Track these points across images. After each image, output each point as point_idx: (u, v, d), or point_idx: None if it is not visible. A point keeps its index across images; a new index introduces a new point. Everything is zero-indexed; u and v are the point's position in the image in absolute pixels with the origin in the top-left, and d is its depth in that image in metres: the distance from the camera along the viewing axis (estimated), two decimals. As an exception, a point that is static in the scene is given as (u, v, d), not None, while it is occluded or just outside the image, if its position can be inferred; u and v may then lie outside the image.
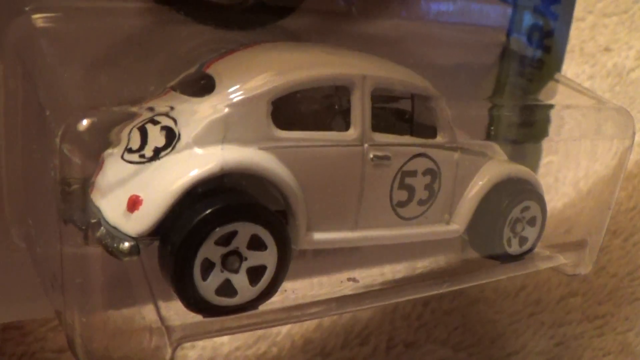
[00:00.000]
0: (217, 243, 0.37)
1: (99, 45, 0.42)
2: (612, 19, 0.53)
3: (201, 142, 0.37)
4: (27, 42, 0.40)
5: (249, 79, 0.39)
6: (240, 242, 0.38)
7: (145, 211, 0.35)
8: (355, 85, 0.41)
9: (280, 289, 0.40)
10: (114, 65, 0.42)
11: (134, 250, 0.35)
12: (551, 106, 0.55)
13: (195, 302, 0.36)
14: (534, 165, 0.56)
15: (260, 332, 0.57)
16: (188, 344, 0.56)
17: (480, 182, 0.48)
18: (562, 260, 0.54)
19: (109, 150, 0.37)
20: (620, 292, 0.71)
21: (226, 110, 0.38)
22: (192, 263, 0.36)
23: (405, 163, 0.44)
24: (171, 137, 0.37)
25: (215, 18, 0.45)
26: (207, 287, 0.37)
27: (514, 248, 0.51)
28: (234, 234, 0.37)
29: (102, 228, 0.36)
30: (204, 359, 0.56)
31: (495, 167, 0.49)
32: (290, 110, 0.40)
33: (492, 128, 0.50)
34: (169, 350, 0.37)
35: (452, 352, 0.59)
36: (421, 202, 0.46)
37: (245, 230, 0.37)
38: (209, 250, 0.36)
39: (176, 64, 0.42)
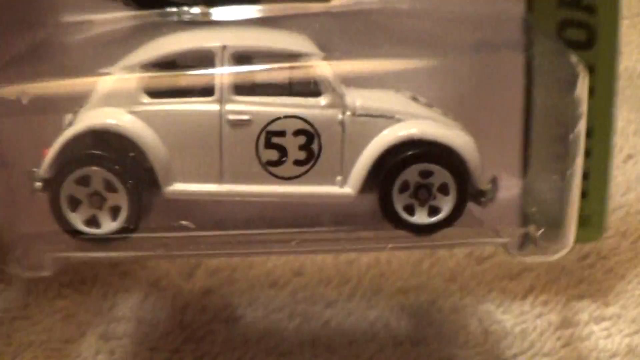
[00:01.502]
0: (77, 183, 0.45)
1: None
2: (623, 22, 0.51)
3: (94, 105, 0.47)
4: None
5: (132, 55, 0.48)
6: (98, 185, 0.46)
7: (46, 158, 0.46)
8: (215, 55, 0.47)
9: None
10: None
11: (41, 188, 0.46)
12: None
13: (66, 230, 0.46)
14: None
15: (268, 327, 0.61)
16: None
17: (376, 143, 0.47)
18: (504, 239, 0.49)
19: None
20: (628, 294, 0.61)
21: (112, 80, 0.47)
22: (59, 198, 0.45)
23: (269, 123, 0.47)
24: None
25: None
26: (76, 218, 0.46)
27: (421, 218, 0.47)
28: (88, 177, 0.45)
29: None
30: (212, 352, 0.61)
31: (401, 127, 0.47)
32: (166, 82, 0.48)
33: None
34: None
35: (459, 350, 0.58)
36: (298, 163, 0.48)
37: (97, 175, 0.45)
38: (71, 188, 0.45)
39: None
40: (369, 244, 0.48)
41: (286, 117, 0.47)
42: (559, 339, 0.57)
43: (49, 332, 0.61)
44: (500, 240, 0.48)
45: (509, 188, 0.52)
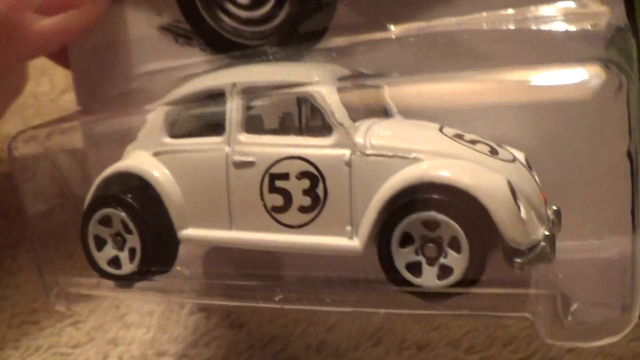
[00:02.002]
0: (100, 223, 0.48)
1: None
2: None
3: (136, 143, 0.49)
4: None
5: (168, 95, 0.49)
6: (118, 226, 0.47)
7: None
8: (226, 92, 0.46)
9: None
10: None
11: None
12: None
13: (93, 267, 0.48)
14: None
15: (274, 332, 0.59)
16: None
17: (385, 188, 0.40)
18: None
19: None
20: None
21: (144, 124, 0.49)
22: (87, 237, 0.48)
23: (272, 165, 0.43)
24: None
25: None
26: (100, 257, 0.48)
27: (429, 279, 0.39)
28: (109, 217, 0.47)
29: None
30: (219, 357, 0.59)
31: (413, 169, 0.40)
32: (185, 121, 0.48)
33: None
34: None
35: (465, 355, 0.54)
36: (304, 209, 0.43)
37: (115, 216, 0.47)
38: (96, 228, 0.48)
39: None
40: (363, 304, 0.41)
41: (288, 157, 0.43)
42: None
43: (58, 337, 0.63)
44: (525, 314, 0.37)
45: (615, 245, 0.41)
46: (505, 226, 0.38)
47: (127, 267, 0.48)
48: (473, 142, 0.43)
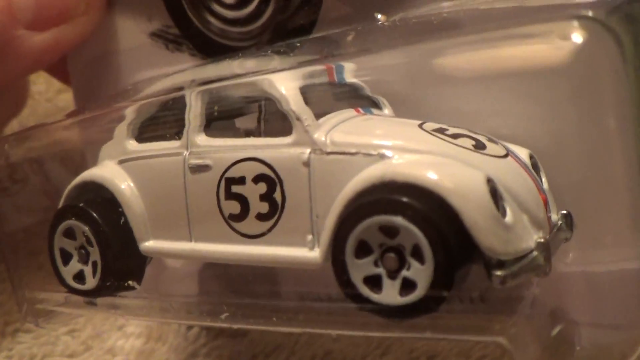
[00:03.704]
0: (64, 235, 0.45)
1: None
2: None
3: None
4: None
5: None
6: (81, 239, 0.44)
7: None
8: (185, 96, 0.41)
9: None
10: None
11: None
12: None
13: (60, 281, 0.45)
14: None
15: (278, 341, 0.54)
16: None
17: (345, 191, 0.34)
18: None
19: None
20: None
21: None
22: (53, 250, 0.46)
23: (227, 169, 0.39)
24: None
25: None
26: (67, 271, 0.45)
27: (390, 295, 0.32)
28: (71, 229, 0.44)
29: None
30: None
31: (377, 168, 0.34)
32: (152, 124, 0.45)
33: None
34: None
35: None
36: (261, 217, 0.38)
37: (78, 227, 0.44)
38: (61, 241, 0.45)
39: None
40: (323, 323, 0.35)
41: (243, 160, 0.39)
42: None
43: (53, 346, 0.60)
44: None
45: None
46: (479, 231, 0.31)
47: (91, 282, 0.44)
48: (455, 136, 0.37)
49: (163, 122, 0.44)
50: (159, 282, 0.45)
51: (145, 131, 0.45)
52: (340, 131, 0.37)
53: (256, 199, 0.38)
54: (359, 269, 0.33)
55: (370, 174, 0.34)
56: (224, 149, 0.40)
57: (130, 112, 0.45)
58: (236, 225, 0.39)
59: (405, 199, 0.32)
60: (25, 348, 0.60)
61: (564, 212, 0.36)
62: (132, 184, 0.43)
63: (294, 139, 0.37)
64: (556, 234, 0.35)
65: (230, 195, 0.39)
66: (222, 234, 0.40)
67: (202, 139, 0.41)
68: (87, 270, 0.45)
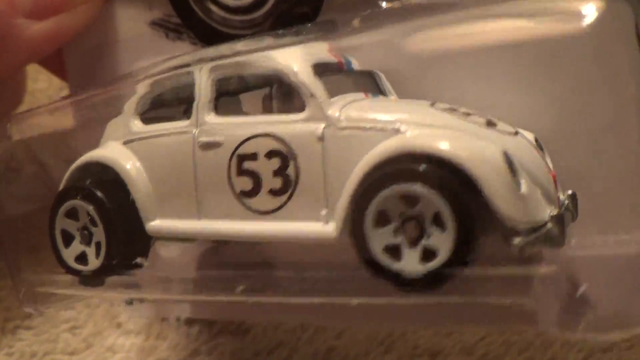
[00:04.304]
0: (66, 216, 0.44)
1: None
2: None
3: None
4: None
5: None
6: (85, 219, 0.44)
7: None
8: (194, 75, 0.42)
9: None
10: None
11: None
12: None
13: (61, 265, 0.45)
14: None
15: (280, 338, 0.54)
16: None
17: (360, 165, 0.35)
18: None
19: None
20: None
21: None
22: (54, 232, 0.45)
23: (239, 145, 0.39)
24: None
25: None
26: (68, 253, 0.44)
27: (410, 264, 0.32)
28: (74, 209, 0.44)
29: None
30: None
31: (393, 141, 0.34)
32: (156, 105, 0.45)
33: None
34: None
35: None
36: (274, 192, 0.38)
37: (82, 208, 0.43)
38: (63, 222, 0.44)
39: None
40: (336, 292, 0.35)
41: (257, 136, 0.39)
42: (580, 350, 0.51)
43: (54, 343, 0.60)
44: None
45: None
46: (498, 200, 0.32)
47: (94, 263, 0.44)
48: (467, 114, 0.38)
49: (170, 103, 0.44)
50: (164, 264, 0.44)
51: (152, 112, 0.44)
52: (353, 108, 0.38)
53: (269, 174, 0.38)
54: (379, 238, 0.34)
55: (387, 146, 0.35)
56: (236, 126, 0.40)
57: (141, 87, 0.44)
58: (248, 201, 0.39)
59: (426, 168, 0.33)
60: (26, 345, 0.59)
61: (570, 192, 0.38)
62: (137, 164, 0.43)
63: (307, 115, 0.38)
64: (565, 213, 0.36)
65: (242, 172, 0.39)
66: (233, 211, 0.40)
67: (211, 117, 0.41)
68: (90, 251, 0.44)
